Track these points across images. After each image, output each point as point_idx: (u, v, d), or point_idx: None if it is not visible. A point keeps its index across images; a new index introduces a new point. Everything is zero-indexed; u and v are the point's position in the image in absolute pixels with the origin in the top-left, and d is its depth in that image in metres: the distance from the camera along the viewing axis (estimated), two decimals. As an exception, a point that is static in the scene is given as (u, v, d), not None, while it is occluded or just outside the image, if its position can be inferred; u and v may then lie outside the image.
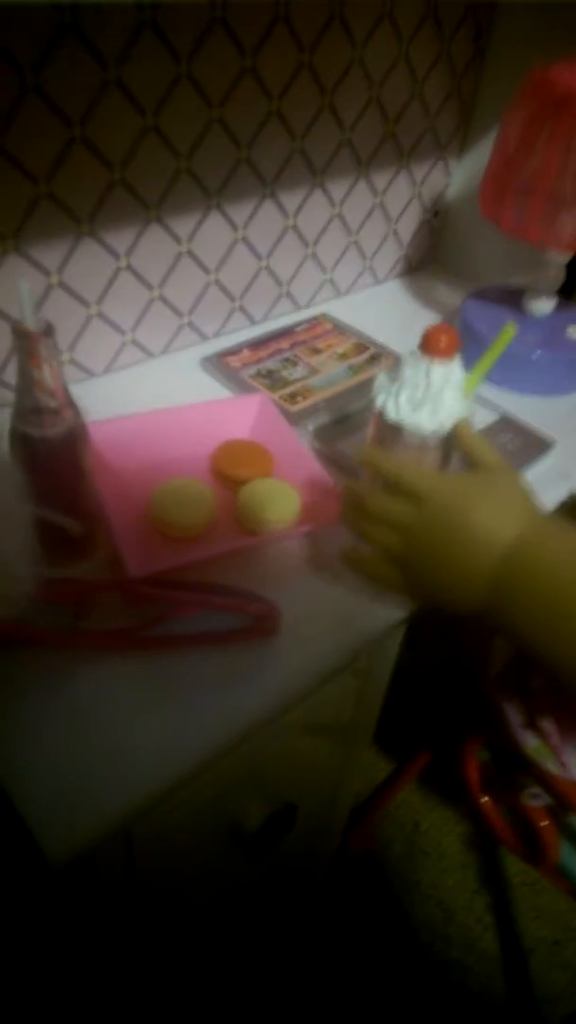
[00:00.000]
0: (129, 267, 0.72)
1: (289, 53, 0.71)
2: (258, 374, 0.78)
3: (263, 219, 0.80)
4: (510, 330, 0.51)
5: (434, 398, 0.51)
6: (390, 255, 0.99)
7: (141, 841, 0.51)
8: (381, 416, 0.53)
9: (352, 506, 0.50)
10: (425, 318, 0.94)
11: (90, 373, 0.77)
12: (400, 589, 0.49)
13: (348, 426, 0.72)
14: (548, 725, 0.61)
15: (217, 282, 0.80)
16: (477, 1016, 0.97)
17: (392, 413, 0.52)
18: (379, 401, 0.53)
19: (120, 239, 0.70)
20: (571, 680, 0.43)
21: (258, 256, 0.82)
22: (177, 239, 0.74)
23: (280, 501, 0.61)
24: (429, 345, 0.50)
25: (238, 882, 0.74)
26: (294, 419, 0.73)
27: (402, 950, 1.01)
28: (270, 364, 0.80)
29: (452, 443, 0.53)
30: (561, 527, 0.45)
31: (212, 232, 0.76)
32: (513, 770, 0.69)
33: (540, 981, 1.01)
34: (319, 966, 0.98)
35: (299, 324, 0.87)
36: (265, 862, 0.68)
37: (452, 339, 0.50)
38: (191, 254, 0.76)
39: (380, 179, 0.89)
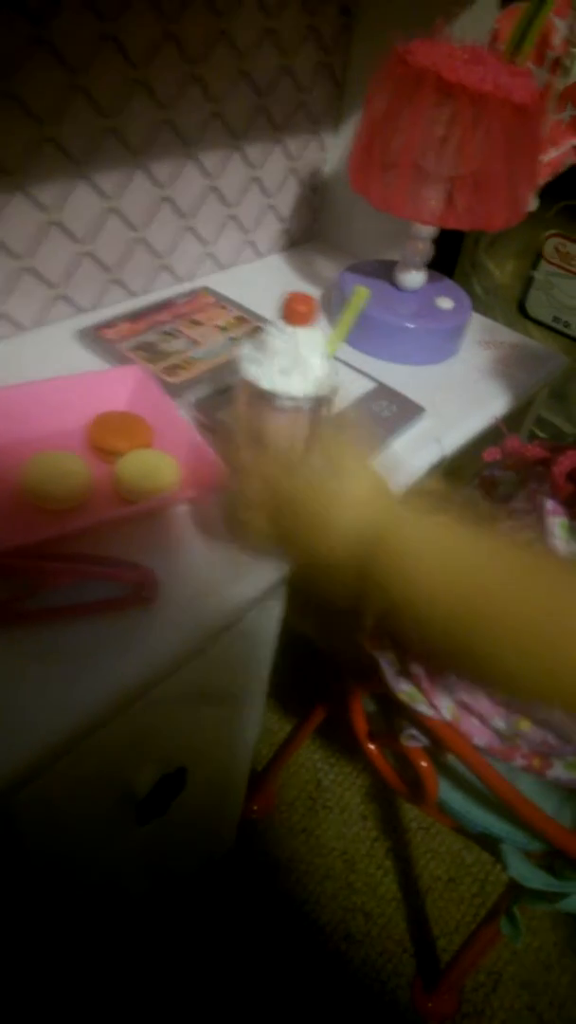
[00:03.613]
0: (-6, 238, 0.70)
1: (150, 21, 0.71)
2: (137, 347, 0.78)
3: (134, 190, 0.79)
4: (362, 292, 0.53)
5: (303, 363, 0.53)
6: (271, 230, 1.00)
7: (27, 810, 0.52)
8: (254, 385, 0.55)
9: (231, 467, 0.53)
10: (306, 292, 0.96)
11: (-41, 348, 0.74)
12: (276, 548, 0.53)
13: (229, 397, 0.73)
14: (418, 671, 0.65)
15: (90, 254, 0.79)
16: (379, 956, 1.03)
17: (266, 382, 0.54)
18: (251, 372, 0.55)
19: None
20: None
21: (132, 227, 0.82)
22: (43, 208, 0.72)
23: (158, 471, 0.62)
24: (291, 314, 0.53)
25: (141, 848, 0.75)
26: (175, 391, 0.73)
27: (306, 901, 1.06)
28: (149, 337, 0.80)
29: (323, 402, 0.56)
30: (411, 519, 0.46)
31: (80, 202, 0.75)
32: (393, 716, 0.73)
33: (437, 917, 1.08)
34: (226, 923, 1.01)
35: (179, 297, 0.87)
36: (164, 827, 0.69)
37: (310, 306, 0.53)
38: (59, 224, 0.74)
39: (255, 153, 0.90)
